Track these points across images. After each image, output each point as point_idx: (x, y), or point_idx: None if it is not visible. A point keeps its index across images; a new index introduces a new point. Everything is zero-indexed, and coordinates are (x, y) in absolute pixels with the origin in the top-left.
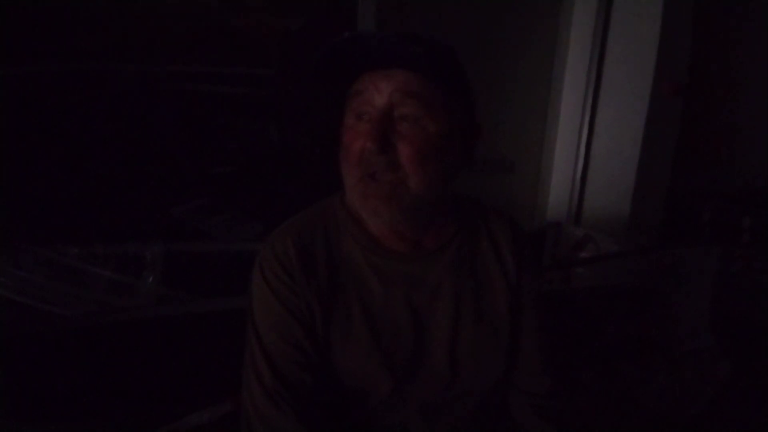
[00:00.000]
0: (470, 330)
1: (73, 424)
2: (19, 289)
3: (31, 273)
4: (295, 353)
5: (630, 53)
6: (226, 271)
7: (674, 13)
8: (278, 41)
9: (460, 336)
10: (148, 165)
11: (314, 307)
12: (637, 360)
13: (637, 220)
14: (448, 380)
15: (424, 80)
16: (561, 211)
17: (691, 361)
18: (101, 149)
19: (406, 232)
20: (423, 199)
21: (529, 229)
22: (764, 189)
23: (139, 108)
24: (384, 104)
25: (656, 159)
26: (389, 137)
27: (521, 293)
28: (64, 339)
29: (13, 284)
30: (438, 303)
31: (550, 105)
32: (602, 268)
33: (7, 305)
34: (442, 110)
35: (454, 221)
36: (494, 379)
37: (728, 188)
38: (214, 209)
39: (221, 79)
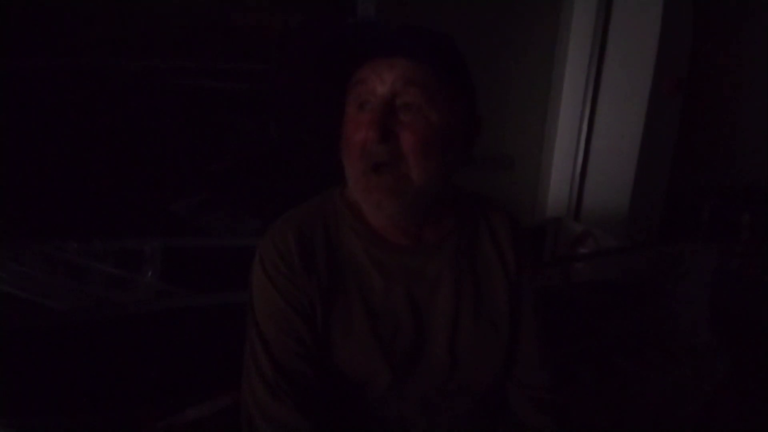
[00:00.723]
0: (470, 324)
1: (73, 417)
2: (18, 284)
3: (31, 268)
4: (295, 345)
5: (630, 50)
6: (224, 267)
7: (674, 10)
8: (277, 38)
9: (460, 330)
10: (147, 160)
11: (314, 299)
12: (636, 356)
13: (636, 217)
14: (448, 374)
15: (426, 70)
16: (561, 207)
17: (689, 357)
18: (100, 145)
19: (407, 226)
20: (425, 192)
21: (528, 225)
22: (763, 186)
23: (139, 104)
24: (386, 93)
25: (655, 155)
26: (391, 126)
27: (521, 288)
28: (63, 333)
29: (13, 279)
30: (438, 296)
31: (550, 102)
32: (601, 263)
33: (6, 300)
34: (444, 101)
35: (455, 215)
36: (493, 373)
37: (727, 185)
38: (213, 205)
39: (220, 75)
